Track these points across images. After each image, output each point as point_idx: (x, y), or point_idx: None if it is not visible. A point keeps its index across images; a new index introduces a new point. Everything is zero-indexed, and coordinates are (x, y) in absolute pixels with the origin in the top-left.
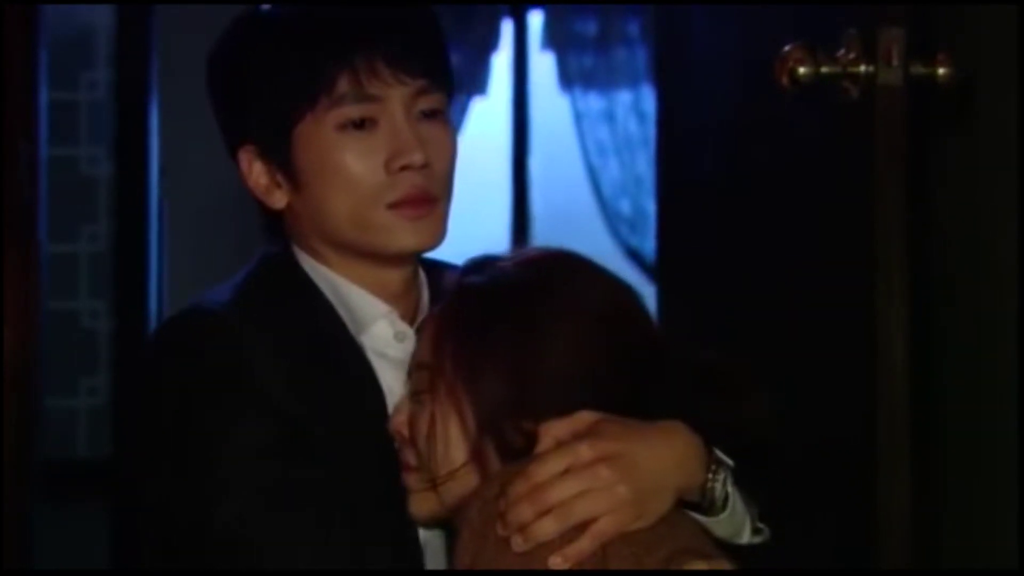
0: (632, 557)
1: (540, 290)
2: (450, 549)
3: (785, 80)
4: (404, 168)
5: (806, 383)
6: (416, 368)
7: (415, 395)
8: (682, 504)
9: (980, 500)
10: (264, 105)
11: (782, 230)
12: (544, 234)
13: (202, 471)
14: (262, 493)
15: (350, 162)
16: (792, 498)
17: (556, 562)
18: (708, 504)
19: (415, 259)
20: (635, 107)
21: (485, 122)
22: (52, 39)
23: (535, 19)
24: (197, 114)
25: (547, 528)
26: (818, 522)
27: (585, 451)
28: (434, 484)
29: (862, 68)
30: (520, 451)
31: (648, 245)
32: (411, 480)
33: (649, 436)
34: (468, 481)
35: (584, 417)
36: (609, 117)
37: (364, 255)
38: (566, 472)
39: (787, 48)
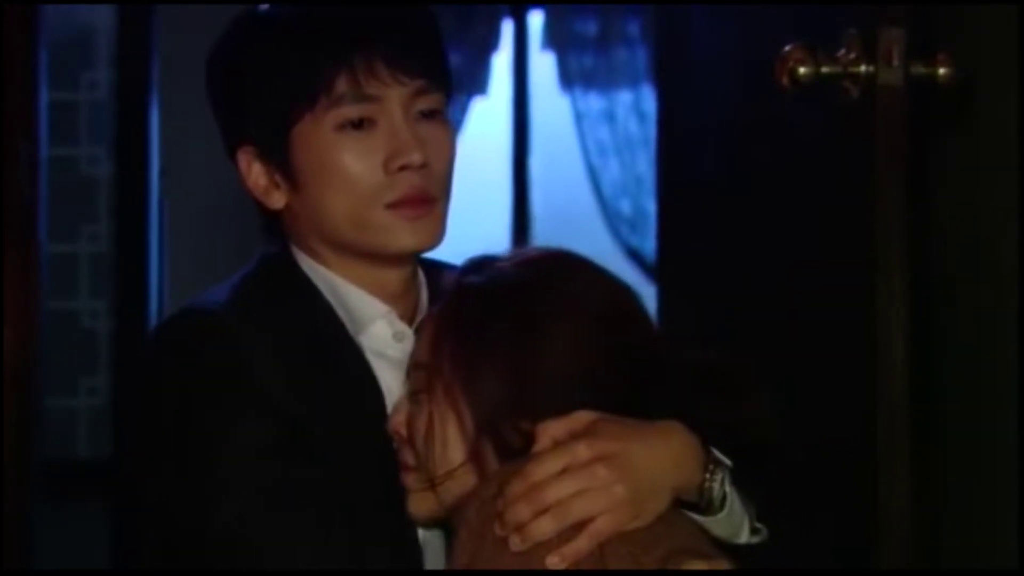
0: (629, 556)
1: (539, 290)
2: (449, 549)
3: (785, 80)
4: (403, 168)
5: (806, 383)
6: (414, 368)
7: (413, 395)
8: (680, 504)
9: (980, 500)
10: (263, 105)
11: (782, 230)
12: (544, 234)
13: (202, 471)
14: (262, 493)
15: (349, 162)
16: (792, 498)
17: (553, 561)
18: (706, 504)
19: (414, 259)
20: (635, 107)
21: (485, 122)
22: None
23: (535, 19)
24: (197, 114)
25: (544, 527)
26: (818, 522)
27: (582, 451)
28: (432, 484)
29: (862, 68)
30: (518, 451)
31: (648, 245)
32: (409, 480)
33: (647, 436)
34: (466, 481)
35: (582, 417)
36: (609, 117)
37: (363, 255)
38: (564, 472)
39: (787, 48)
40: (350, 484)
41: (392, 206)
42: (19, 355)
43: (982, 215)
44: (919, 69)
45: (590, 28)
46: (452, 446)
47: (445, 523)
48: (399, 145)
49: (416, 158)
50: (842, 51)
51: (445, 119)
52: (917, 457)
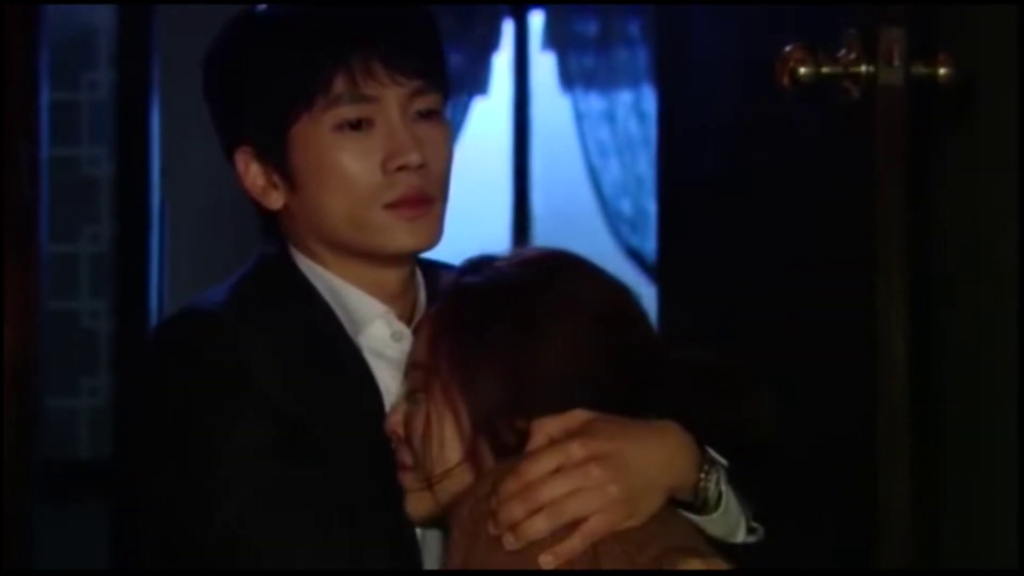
0: (624, 555)
1: (537, 290)
2: (445, 548)
3: (786, 80)
4: (401, 168)
5: (806, 383)
6: (412, 368)
7: (411, 394)
8: (675, 503)
9: (980, 500)
10: (260, 105)
11: (783, 230)
12: (545, 234)
13: (201, 471)
14: (261, 493)
15: (346, 162)
16: (792, 498)
17: (546, 560)
18: (701, 503)
19: (412, 259)
20: (636, 107)
21: (486, 122)
22: (53, 39)
23: (536, 19)
24: (198, 114)
25: (538, 526)
26: (818, 522)
27: (577, 450)
28: (429, 483)
29: (863, 68)
30: (514, 449)
31: (649, 245)
32: (407, 479)
33: (641, 435)
34: (463, 480)
35: (577, 415)
36: (610, 117)
37: (361, 255)
38: (557, 471)
39: (788, 48)
40: (349, 484)
41: (390, 206)
42: (19, 355)
43: (982, 215)
44: (920, 69)
45: (590, 28)
46: (449, 445)
47: (443, 522)
48: (397, 145)
49: (414, 158)
50: (842, 51)
51: (443, 119)
52: (917, 457)
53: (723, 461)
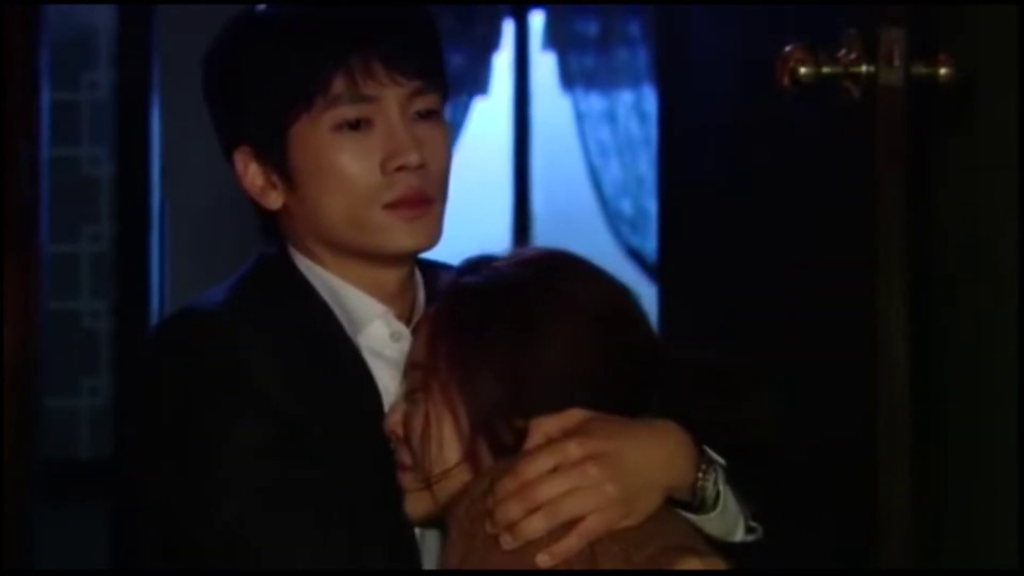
0: (621, 554)
1: (536, 290)
2: (444, 548)
3: (786, 80)
4: (400, 169)
5: (806, 383)
6: (411, 368)
7: (410, 394)
8: (673, 502)
9: (980, 500)
10: (259, 105)
11: (783, 230)
12: (545, 234)
13: (201, 471)
14: (261, 493)
15: (346, 163)
16: (792, 498)
17: (543, 559)
18: (698, 503)
19: (411, 259)
20: (636, 107)
21: (486, 122)
22: (53, 39)
23: (536, 19)
24: (198, 114)
25: (535, 526)
26: (818, 522)
27: (574, 449)
28: (428, 483)
29: (863, 68)
30: (512, 448)
31: (649, 245)
32: (406, 479)
33: (639, 435)
34: (462, 480)
35: (574, 415)
36: (610, 117)
37: (360, 255)
38: (555, 470)
39: (788, 48)
40: (348, 484)
41: (389, 206)
42: (19, 355)
43: (982, 215)
44: (920, 69)
45: (591, 28)
46: (448, 445)
47: (442, 522)
48: (396, 146)
49: (413, 158)
50: (843, 51)
51: (442, 119)
52: (917, 457)
53: (721, 460)
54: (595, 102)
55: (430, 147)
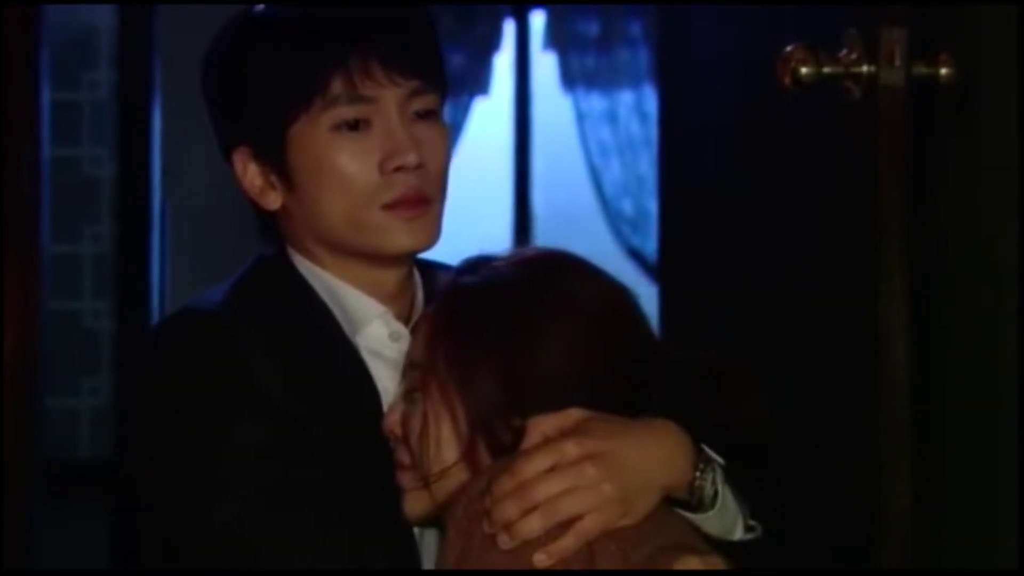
0: (619, 553)
1: (534, 290)
2: (441, 547)
3: (787, 80)
4: (398, 169)
5: (807, 383)
6: (410, 367)
7: (409, 394)
8: (671, 502)
9: (980, 500)
10: (258, 106)
11: (783, 230)
12: (546, 234)
13: (201, 471)
14: (261, 493)
15: (344, 163)
16: (793, 498)
17: (540, 559)
18: (696, 502)
19: (410, 259)
20: (637, 107)
21: (487, 122)
22: (54, 39)
23: (537, 19)
24: (199, 114)
25: (532, 526)
26: (818, 522)
27: (571, 449)
28: (427, 483)
29: (864, 68)
30: (510, 448)
31: (650, 245)
32: (405, 479)
33: (636, 434)
34: (460, 479)
35: (572, 414)
36: (611, 117)
37: (359, 256)
38: (552, 469)
39: (789, 48)
40: (348, 484)
41: (388, 207)
42: (19, 355)
43: (982, 215)
44: (921, 69)
45: (592, 28)
46: (446, 445)
47: (441, 522)
48: (395, 146)
49: (412, 159)
50: (844, 51)
51: (441, 119)
52: (917, 457)
53: (719, 459)
54: (596, 102)
55: (429, 147)
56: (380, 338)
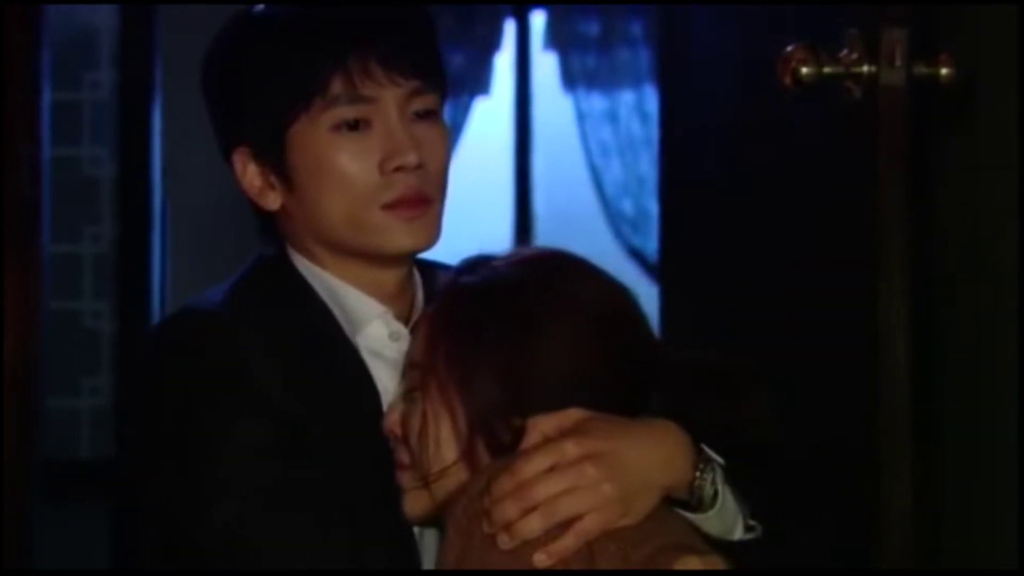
0: (619, 553)
1: (534, 290)
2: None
3: (788, 80)
4: (398, 169)
5: (807, 383)
6: (409, 367)
7: (408, 394)
8: (671, 501)
9: (980, 500)
10: (258, 106)
11: (784, 230)
12: (546, 234)
13: (201, 471)
14: (261, 493)
15: (344, 163)
16: (793, 498)
17: (540, 559)
18: (696, 501)
19: (410, 259)
20: (638, 107)
21: (488, 122)
22: (55, 39)
23: (538, 19)
24: (199, 115)
25: (532, 526)
26: (818, 522)
27: (571, 448)
28: (426, 482)
29: (864, 68)
30: (510, 447)
31: (650, 245)
32: (404, 479)
33: (636, 434)
34: (459, 479)
35: (572, 414)
36: (612, 117)
37: (359, 256)
38: (551, 469)
39: (790, 48)
40: (348, 484)
41: (388, 207)
42: (19, 355)
43: (982, 215)
44: (921, 69)
45: (592, 28)
46: (445, 444)
47: (440, 521)
48: (395, 146)
49: (412, 159)
50: (844, 51)
51: (440, 119)
52: (917, 457)
53: (719, 459)
54: (596, 102)
55: (428, 147)
56: (380, 338)
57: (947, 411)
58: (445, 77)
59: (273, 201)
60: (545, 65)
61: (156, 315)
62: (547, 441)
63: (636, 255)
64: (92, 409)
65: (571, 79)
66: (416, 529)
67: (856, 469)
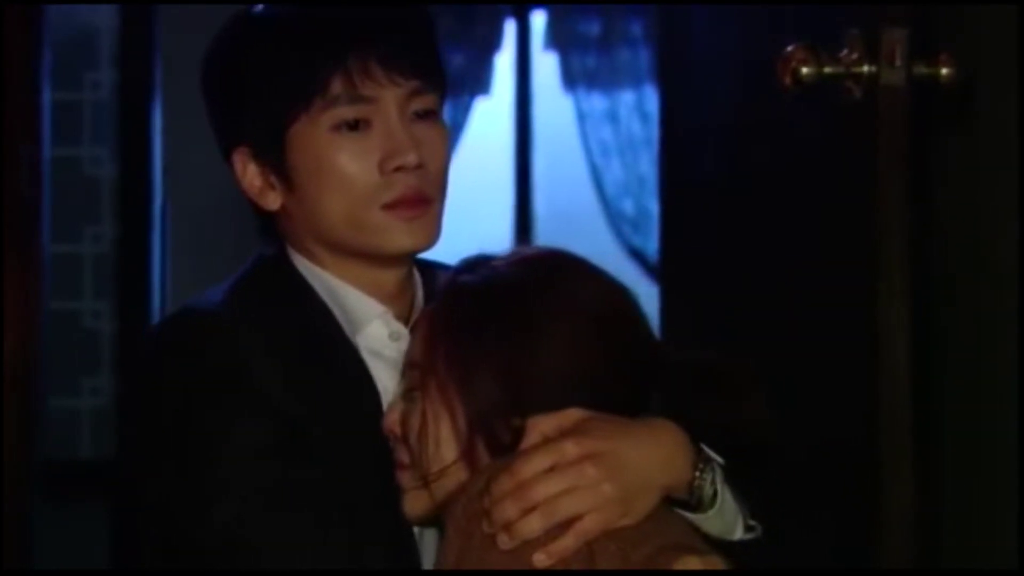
0: (619, 552)
1: (533, 289)
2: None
3: (788, 80)
4: (398, 169)
5: (807, 383)
6: (408, 366)
7: (408, 393)
8: (670, 501)
9: (980, 500)
10: (258, 106)
11: (784, 230)
12: (547, 234)
13: (201, 471)
14: (261, 493)
15: (344, 163)
16: (793, 498)
17: (540, 559)
18: (696, 501)
19: (410, 259)
20: (638, 107)
21: (488, 122)
22: (55, 39)
23: (538, 19)
24: (200, 114)
25: (532, 526)
26: (818, 522)
27: (570, 448)
28: (426, 482)
29: (865, 68)
30: (510, 447)
31: (651, 245)
32: (404, 478)
33: (636, 434)
34: (459, 478)
35: (572, 414)
36: (612, 117)
37: (359, 256)
38: (551, 469)
39: (790, 48)
40: (348, 484)
41: (388, 207)
42: (19, 355)
43: (983, 215)
44: (921, 69)
45: (593, 28)
46: (445, 444)
47: (440, 521)
48: (394, 146)
49: (411, 159)
50: (844, 51)
51: (440, 119)
52: (917, 457)
53: (719, 459)
54: (597, 102)
55: (428, 147)
56: (380, 338)
57: (947, 411)
58: (445, 77)
59: (273, 201)
60: (545, 65)
61: (156, 315)
62: (547, 441)
63: (636, 255)
64: (93, 409)
65: (571, 79)
66: (416, 529)
67: (856, 469)
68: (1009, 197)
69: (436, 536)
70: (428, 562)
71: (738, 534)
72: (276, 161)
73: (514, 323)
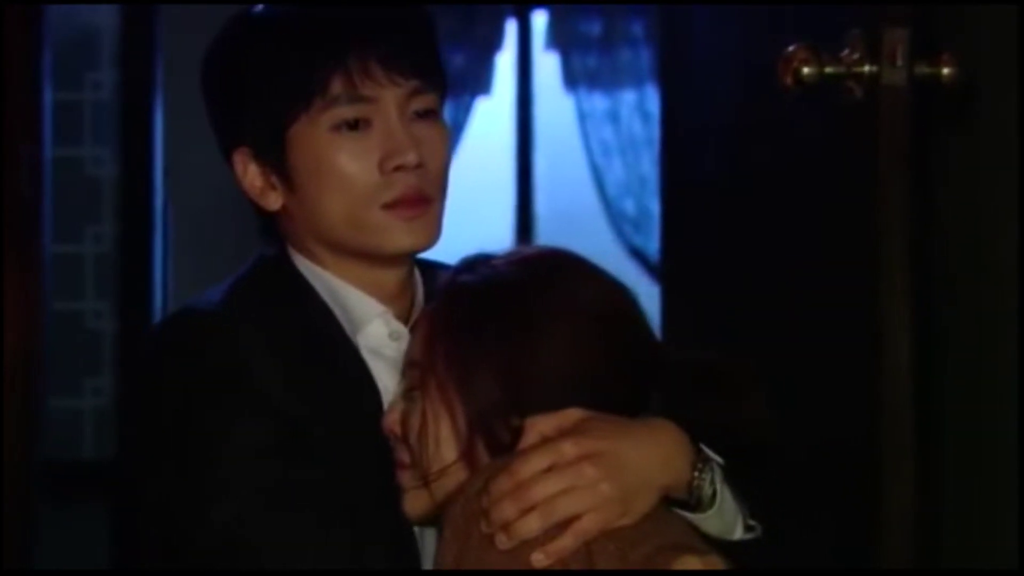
0: (617, 552)
1: (533, 289)
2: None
3: (789, 80)
4: (398, 168)
5: (808, 383)
6: (408, 366)
7: (408, 393)
8: (670, 501)
9: (980, 500)
10: (258, 106)
11: (785, 230)
12: (548, 234)
13: (202, 471)
14: (261, 493)
15: (344, 163)
16: (793, 498)
17: (538, 559)
18: (695, 501)
19: (410, 259)
20: (639, 107)
21: (489, 122)
22: (56, 40)
23: (539, 19)
24: (201, 115)
25: (531, 526)
26: (818, 522)
27: (569, 448)
28: (426, 481)
29: (866, 68)
30: (509, 447)
31: (652, 245)
32: (404, 478)
33: (635, 434)
34: (459, 478)
35: (571, 414)
36: (613, 117)
37: (359, 255)
38: (550, 469)
39: (791, 48)
40: (349, 484)
41: (388, 206)
42: (20, 355)
43: (983, 215)
44: (923, 69)
45: (594, 28)
46: (445, 444)
47: (440, 521)
48: (394, 145)
49: (411, 158)
50: (845, 51)
51: (440, 119)
52: (918, 457)
53: (718, 459)
54: (598, 102)
55: (428, 147)
56: (380, 337)
57: (948, 411)
58: (445, 77)
59: (274, 201)
60: (546, 65)
61: (158, 315)
62: (546, 441)
63: (637, 255)
64: (95, 409)
65: (572, 79)
66: (416, 529)
67: (856, 469)
68: (1010, 197)
69: (436, 536)
70: (429, 562)
71: (738, 534)
72: (276, 161)
73: (514, 323)
